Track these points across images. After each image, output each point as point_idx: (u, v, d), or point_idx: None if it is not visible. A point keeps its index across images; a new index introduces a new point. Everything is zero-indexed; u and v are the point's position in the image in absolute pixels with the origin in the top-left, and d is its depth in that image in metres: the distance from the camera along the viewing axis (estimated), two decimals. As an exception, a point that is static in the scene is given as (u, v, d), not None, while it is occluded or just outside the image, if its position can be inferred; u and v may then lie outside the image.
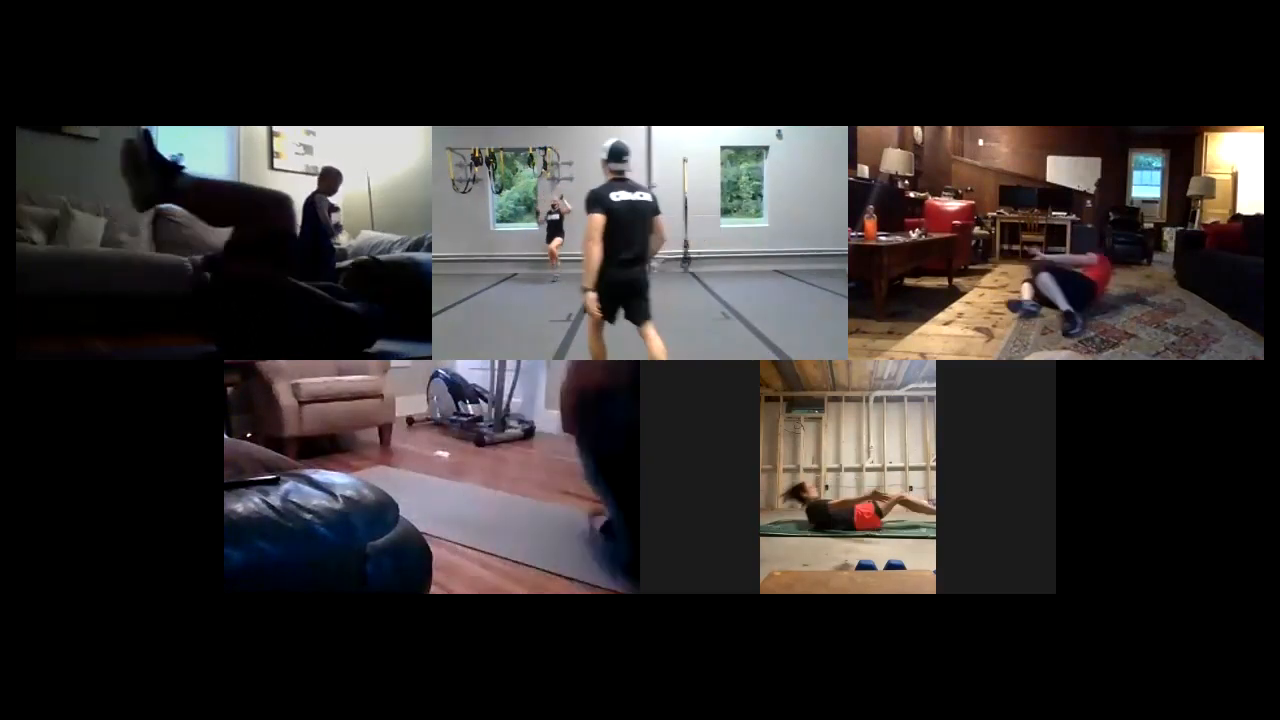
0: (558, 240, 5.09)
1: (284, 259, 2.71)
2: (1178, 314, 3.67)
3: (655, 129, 5.34)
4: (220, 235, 2.83)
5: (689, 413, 2.04)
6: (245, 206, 2.76)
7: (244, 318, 2.44)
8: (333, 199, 4.54)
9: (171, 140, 5.27)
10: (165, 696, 1.74)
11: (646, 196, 2.32)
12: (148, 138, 2.54)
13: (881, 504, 3.20)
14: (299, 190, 6.01)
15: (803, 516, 3.39)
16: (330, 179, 4.58)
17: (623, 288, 2.25)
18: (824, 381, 3.84)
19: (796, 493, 3.33)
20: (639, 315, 2.28)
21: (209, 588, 1.77)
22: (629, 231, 2.26)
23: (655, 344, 2.34)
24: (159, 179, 2.55)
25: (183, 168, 2.60)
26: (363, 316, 2.84)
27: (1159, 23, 1.90)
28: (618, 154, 2.31)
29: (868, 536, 3.10)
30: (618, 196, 2.27)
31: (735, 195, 5.54)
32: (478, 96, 1.94)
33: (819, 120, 1.98)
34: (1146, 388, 1.93)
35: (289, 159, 6.07)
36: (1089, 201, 5.79)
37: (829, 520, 3.15)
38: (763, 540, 2.10)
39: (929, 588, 2.03)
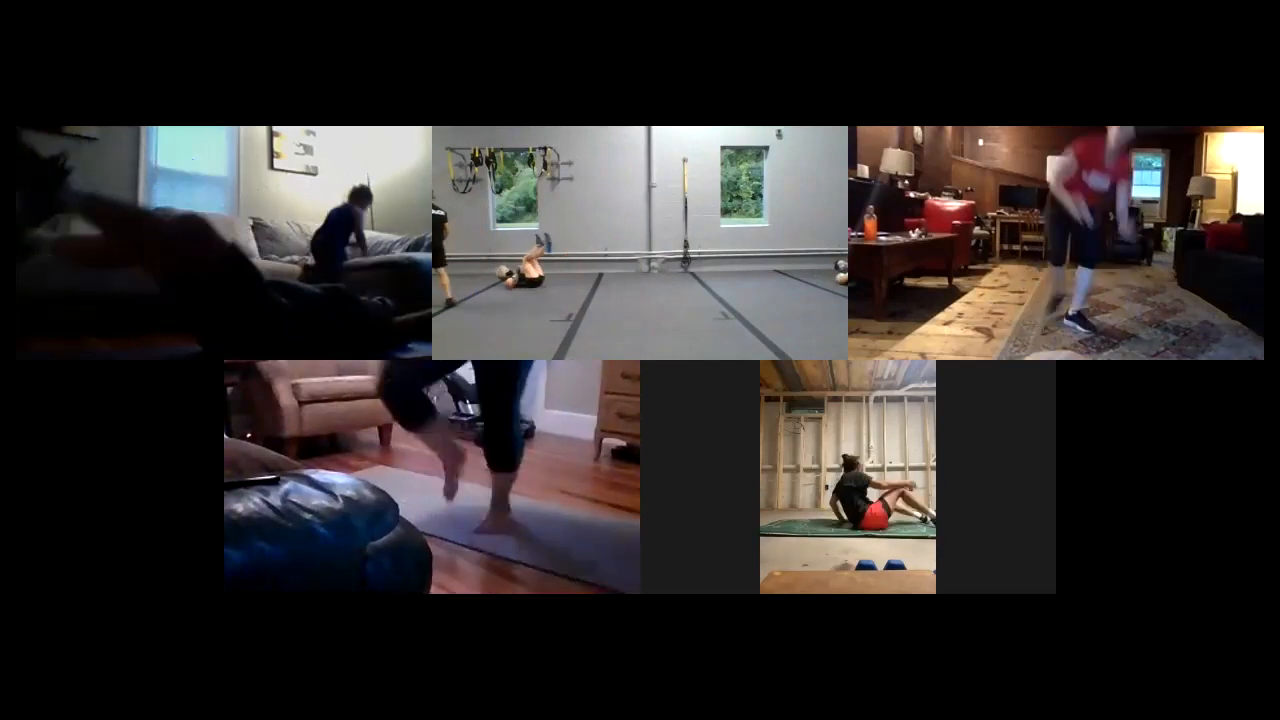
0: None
1: (244, 274, 2.25)
2: (1178, 314, 3.67)
3: (655, 129, 5.33)
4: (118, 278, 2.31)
5: (689, 413, 2.04)
6: (156, 241, 2.09)
7: (229, 324, 2.33)
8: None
9: (172, 140, 5.26)
10: (165, 696, 1.74)
11: (442, 212, 4.24)
12: (14, 131, 1.78)
13: (889, 498, 3.22)
14: (299, 190, 6.04)
15: (802, 517, 3.41)
16: (367, 199, 5.17)
17: (439, 250, 4.09)
18: (824, 381, 3.85)
19: (850, 465, 3.38)
20: (441, 263, 4.07)
21: (209, 588, 1.77)
22: (438, 230, 4.10)
23: (445, 279, 3.96)
24: (36, 186, 1.82)
25: (69, 171, 1.84)
26: (384, 316, 2.85)
27: (1159, 23, 1.90)
28: (437, 209, 4.31)
29: (868, 536, 3.11)
30: (436, 211, 4.17)
31: (735, 195, 5.54)
32: (478, 96, 1.94)
33: (819, 120, 1.98)
34: (1146, 388, 1.93)
35: (289, 159, 6.08)
36: (1089, 201, 5.77)
37: (846, 496, 3.23)
38: (763, 540, 2.10)
39: (929, 588, 2.03)
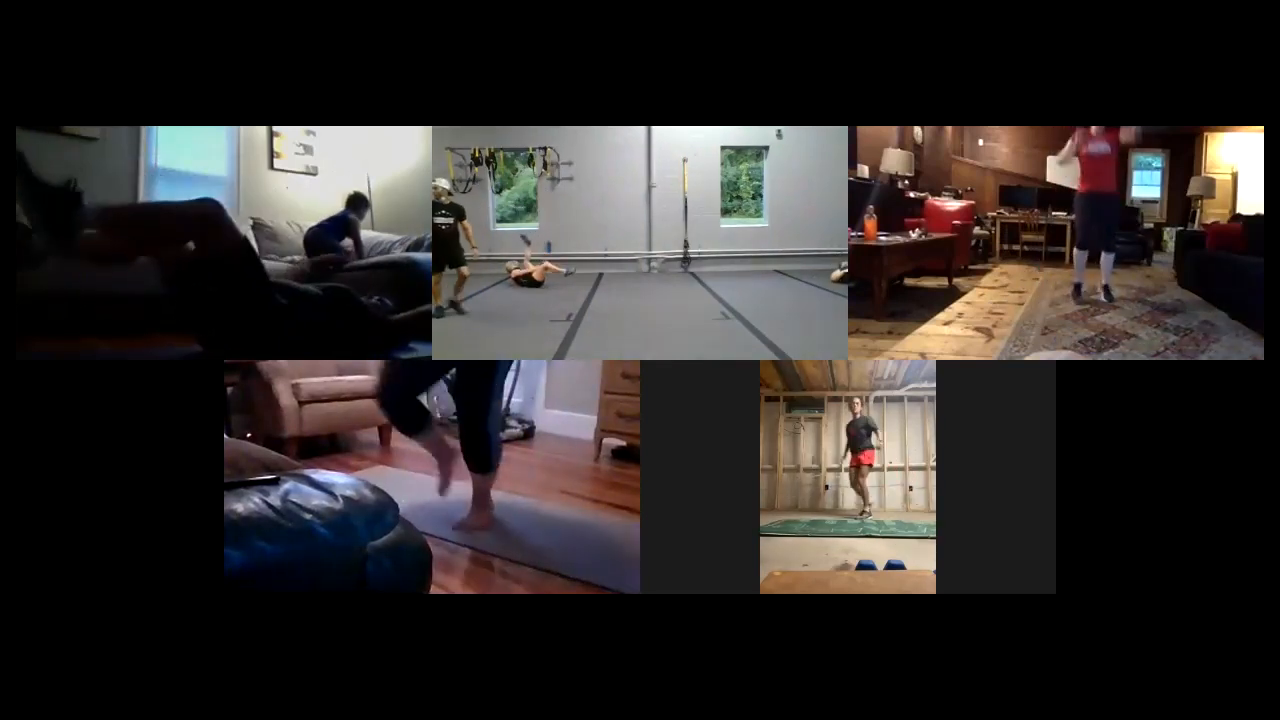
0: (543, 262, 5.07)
1: (251, 269, 2.29)
2: (1178, 314, 3.67)
3: (655, 129, 5.33)
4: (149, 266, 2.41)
5: (689, 413, 2.04)
6: (172, 226, 2.17)
7: (230, 322, 2.34)
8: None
9: (172, 140, 5.27)
10: (165, 696, 1.74)
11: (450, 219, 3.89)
12: (23, 161, 1.96)
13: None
14: (301, 189, 6.04)
15: (799, 516, 3.41)
16: (364, 205, 5.28)
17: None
18: (824, 381, 3.85)
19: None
20: (458, 264, 3.84)
21: (209, 588, 1.77)
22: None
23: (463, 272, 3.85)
24: (50, 213, 1.96)
25: (79, 193, 1.99)
26: (382, 315, 2.86)
27: (1159, 23, 1.90)
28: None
29: (868, 536, 3.11)
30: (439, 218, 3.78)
31: (735, 195, 5.53)
32: (478, 96, 1.94)
33: (819, 120, 1.98)
34: (1146, 388, 1.93)
35: (289, 159, 6.07)
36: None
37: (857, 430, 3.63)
38: (763, 540, 2.11)
39: (929, 588, 2.03)
